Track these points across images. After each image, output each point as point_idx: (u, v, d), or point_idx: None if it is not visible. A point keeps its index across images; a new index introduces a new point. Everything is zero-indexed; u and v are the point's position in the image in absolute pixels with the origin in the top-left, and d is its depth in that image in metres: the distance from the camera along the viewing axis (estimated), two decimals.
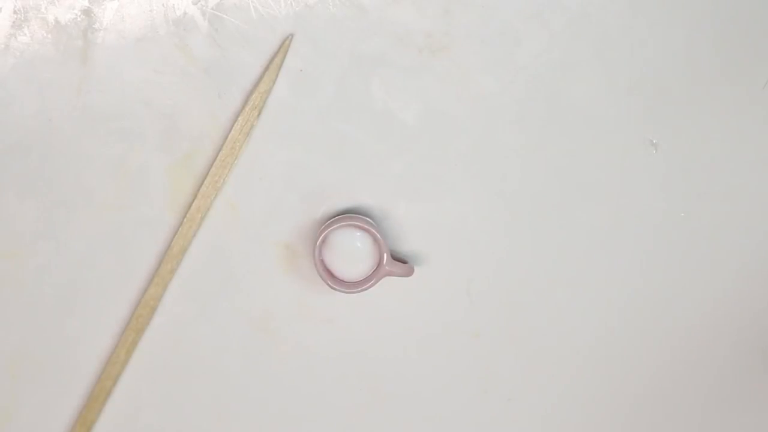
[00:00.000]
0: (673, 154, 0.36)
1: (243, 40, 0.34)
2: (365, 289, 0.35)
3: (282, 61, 0.34)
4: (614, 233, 0.36)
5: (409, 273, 0.35)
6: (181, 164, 0.35)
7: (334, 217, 0.35)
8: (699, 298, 0.37)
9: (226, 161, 0.35)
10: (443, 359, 0.37)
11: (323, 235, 0.35)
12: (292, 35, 0.34)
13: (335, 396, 0.37)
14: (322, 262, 0.34)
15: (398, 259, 0.35)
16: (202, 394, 0.37)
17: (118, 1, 0.34)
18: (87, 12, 0.34)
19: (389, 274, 0.34)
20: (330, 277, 0.34)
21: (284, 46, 0.34)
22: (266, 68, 0.34)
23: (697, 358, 0.38)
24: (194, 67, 0.34)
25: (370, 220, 0.35)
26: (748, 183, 0.36)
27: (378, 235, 0.33)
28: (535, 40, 0.34)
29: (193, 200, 0.35)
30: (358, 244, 0.34)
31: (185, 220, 0.35)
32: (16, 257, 0.35)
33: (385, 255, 0.34)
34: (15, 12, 0.34)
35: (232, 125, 0.35)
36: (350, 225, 0.34)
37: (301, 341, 0.37)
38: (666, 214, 0.36)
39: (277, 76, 0.34)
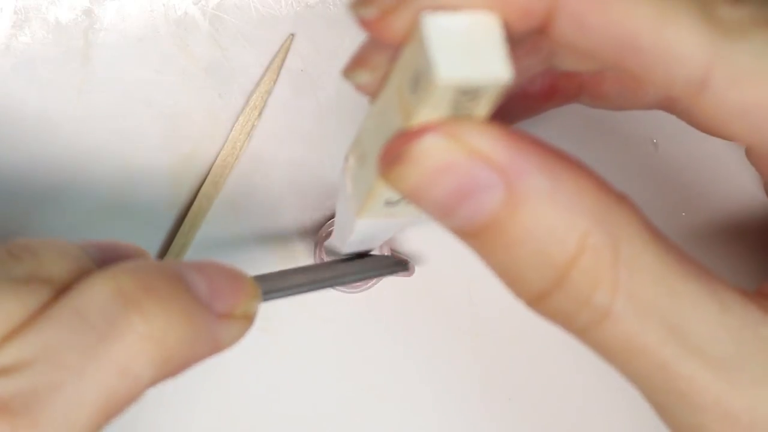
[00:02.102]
0: (673, 154, 0.36)
1: (244, 40, 0.34)
2: (365, 289, 0.35)
3: (283, 61, 0.34)
4: None
5: (410, 273, 0.35)
6: (182, 164, 0.35)
7: (334, 217, 0.35)
8: None
9: (226, 161, 0.35)
10: (443, 359, 0.37)
11: (324, 234, 0.35)
12: (292, 35, 0.35)
13: (335, 396, 0.37)
14: (323, 261, 0.34)
15: (399, 259, 0.35)
16: (202, 393, 0.37)
17: (119, 1, 0.34)
18: (88, 12, 0.34)
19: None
20: None
21: (285, 46, 0.34)
22: (267, 68, 0.34)
23: None
24: (195, 67, 0.34)
25: None
26: (749, 183, 0.36)
27: None
28: None
29: (194, 200, 0.35)
30: None
31: (186, 220, 0.35)
32: None
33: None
34: (15, 12, 0.34)
35: (233, 125, 0.35)
36: None
37: (301, 341, 0.37)
38: (666, 213, 0.36)
39: (277, 76, 0.35)
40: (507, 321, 0.37)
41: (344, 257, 0.30)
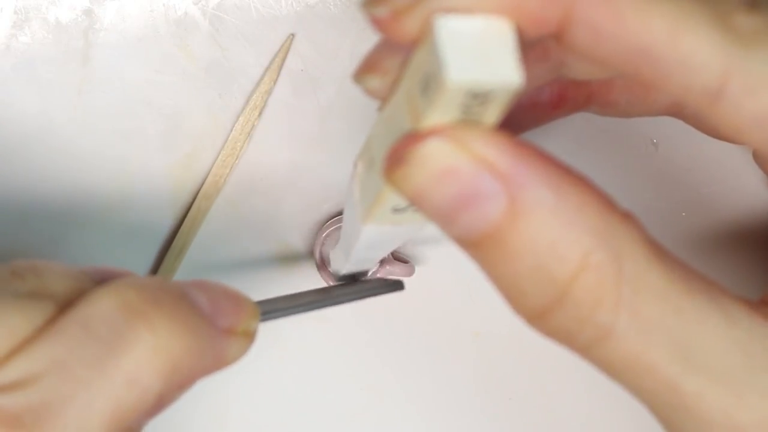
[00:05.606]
0: (673, 154, 0.36)
1: (244, 40, 0.34)
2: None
3: (283, 61, 0.34)
4: None
5: (410, 273, 0.35)
6: (182, 164, 0.35)
7: (335, 217, 0.35)
8: None
9: (227, 161, 0.35)
10: (443, 359, 0.37)
11: (323, 235, 0.35)
12: (293, 35, 0.35)
13: (335, 396, 0.37)
14: (323, 261, 0.34)
15: (399, 258, 0.35)
16: (201, 394, 0.37)
17: (119, 1, 0.34)
18: (88, 12, 0.34)
19: (390, 274, 0.34)
20: (331, 277, 0.34)
21: (285, 46, 0.34)
22: (267, 68, 0.34)
23: None
24: (195, 67, 0.34)
25: None
26: (749, 183, 0.36)
27: None
28: None
29: (194, 200, 0.35)
30: None
31: (186, 219, 0.35)
32: (16, 258, 0.35)
33: (385, 255, 0.34)
34: (16, 12, 0.34)
35: (233, 125, 0.35)
36: None
37: (301, 341, 0.37)
38: (666, 214, 0.36)
39: (278, 76, 0.35)
40: (508, 320, 0.37)
41: (339, 282, 0.31)
